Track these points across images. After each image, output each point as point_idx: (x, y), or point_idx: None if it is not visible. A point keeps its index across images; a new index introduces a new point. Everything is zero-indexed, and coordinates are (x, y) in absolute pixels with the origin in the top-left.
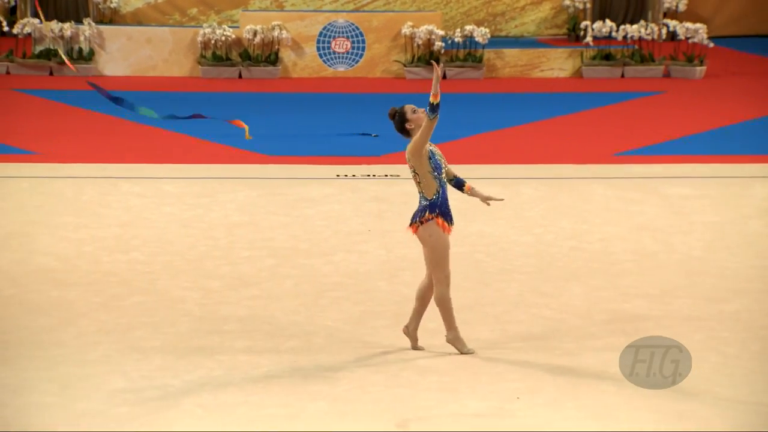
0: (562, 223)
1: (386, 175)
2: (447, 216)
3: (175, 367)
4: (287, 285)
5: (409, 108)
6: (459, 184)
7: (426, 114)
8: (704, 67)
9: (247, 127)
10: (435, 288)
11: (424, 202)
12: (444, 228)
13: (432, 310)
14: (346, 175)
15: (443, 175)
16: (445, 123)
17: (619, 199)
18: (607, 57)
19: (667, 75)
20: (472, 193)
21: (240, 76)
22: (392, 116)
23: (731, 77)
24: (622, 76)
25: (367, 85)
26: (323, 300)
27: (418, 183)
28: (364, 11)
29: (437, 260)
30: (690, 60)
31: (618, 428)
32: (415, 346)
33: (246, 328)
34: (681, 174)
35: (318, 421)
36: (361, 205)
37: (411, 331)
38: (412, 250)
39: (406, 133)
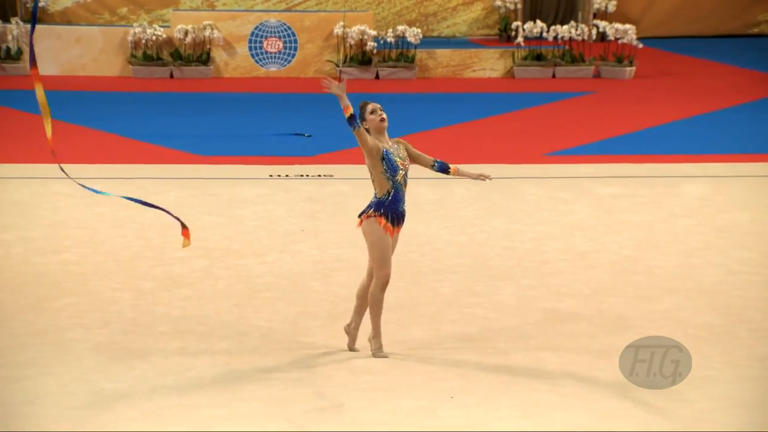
0: (495, 223)
1: (319, 176)
2: (393, 217)
3: (107, 369)
4: (220, 285)
5: (369, 107)
6: (443, 169)
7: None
8: (633, 68)
9: (187, 238)
10: (372, 285)
11: (373, 199)
12: (386, 228)
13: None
14: (279, 176)
15: (398, 177)
16: None
17: (551, 198)
18: (538, 57)
19: (597, 75)
20: (460, 173)
21: (171, 76)
22: (360, 108)
23: (660, 78)
24: (553, 76)
25: (300, 85)
26: (256, 300)
27: (372, 180)
28: (296, 11)
29: (377, 258)
30: (620, 60)
31: (551, 428)
32: (351, 346)
33: (179, 329)
34: (611, 174)
35: (252, 421)
36: (295, 205)
37: (351, 329)
38: (345, 250)
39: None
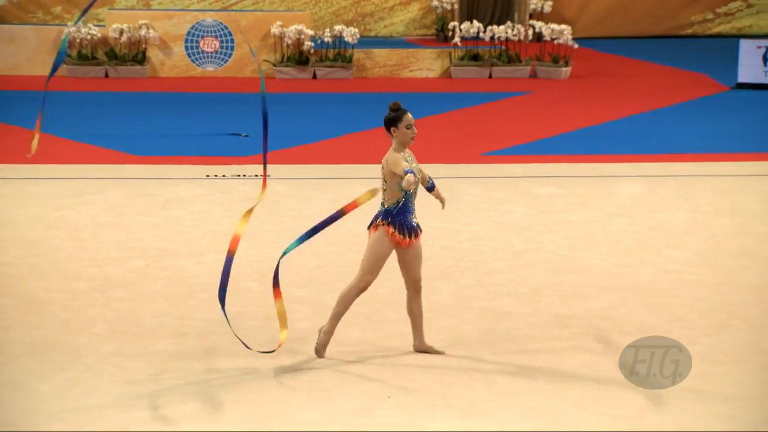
0: (432, 223)
1: (256, 176)
2: (402, 228)
3: (41, 371)
4: (157, 286)
5: (407, 119)
6: (431, 188)
7: (401, 178)
8: (569, 68)
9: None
10: (351, 284)
11: (381, 209)
12: (393, 238)
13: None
14: (216, 176)
15: (411, 189)
16: (316, 123)
17: (488, 198)
18: (475, 57)
19: (533, 75)
20: (436, 195)
21: (107, 76)
22: (392, 110)
23: (596, 78)
24: (490, 76)
25: (237, 84)
26: (193, 301)
27: (384, 190)
28: (232, 10)
29: (368, 262)
30: (555, 61)
31: (488, 427)
32: (434, 352)
33: (114, 330)
34: (548, 173)
35: (188, 423)
36: (232, 205)
37: (419, 345)
38: (281, 250)
39: (388, 132)
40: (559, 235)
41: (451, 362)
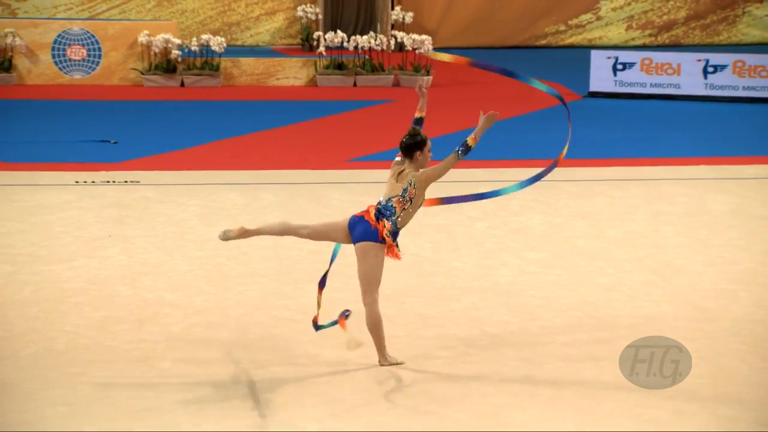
0: None
1: (126, 181)
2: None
3: None
4: (26, 292)
5: (429, 144)
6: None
7: (455, 152)
8: (431, 77)
9: None
10: (368, 312)
11: (391, 226)
12: (395, 256)
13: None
14: (85, 182)
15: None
16: (185, 130)
17: (354, 203)
18: (340, 66)
19: (396, 84)
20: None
21: None
22: (414, 135)
23: (456, 86)
24: (355, 84)
25: (105, 92)
26: (63, 306)
27: (402, 209)
28: (99, 19)
29: (373, 283)
30: (417, 70)
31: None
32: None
33: None
34: None
35: (57, 425)
36: (101, 211)
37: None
38: (152, 255)
39: (410, 155)
40: (422, 238)
41: (320, 363)
